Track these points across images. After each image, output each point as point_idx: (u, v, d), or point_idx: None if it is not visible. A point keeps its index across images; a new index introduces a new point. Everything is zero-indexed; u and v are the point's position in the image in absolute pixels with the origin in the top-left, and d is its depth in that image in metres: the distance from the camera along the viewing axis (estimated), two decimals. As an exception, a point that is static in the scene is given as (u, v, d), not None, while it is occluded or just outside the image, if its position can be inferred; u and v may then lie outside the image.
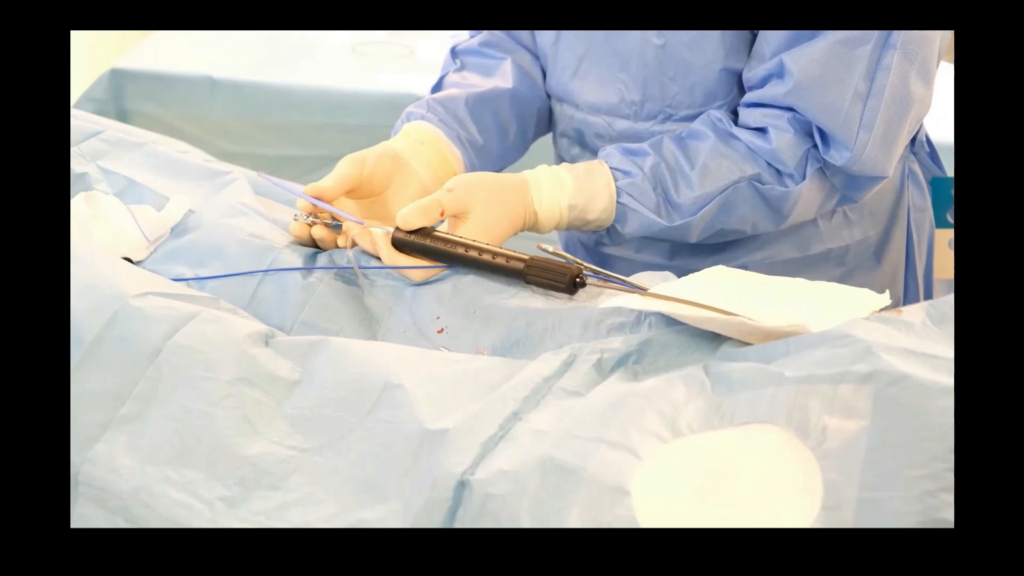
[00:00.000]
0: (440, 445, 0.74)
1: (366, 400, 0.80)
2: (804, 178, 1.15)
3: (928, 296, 1.43)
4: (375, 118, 2.39)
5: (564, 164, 1.17)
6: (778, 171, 1.15)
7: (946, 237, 1.45)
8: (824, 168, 1.16)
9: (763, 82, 1.15)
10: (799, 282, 0.98)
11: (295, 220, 1.09)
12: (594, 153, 1.24)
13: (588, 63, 1.25)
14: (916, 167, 1.38)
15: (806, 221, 1.25)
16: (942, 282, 1.46)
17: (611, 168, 1.15)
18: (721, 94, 1.20)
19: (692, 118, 1.21)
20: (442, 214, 1.06)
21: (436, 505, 0.71)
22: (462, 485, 0.71)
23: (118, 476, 0.77)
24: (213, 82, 2.43)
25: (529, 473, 0.70)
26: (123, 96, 2.44)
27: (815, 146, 1.15)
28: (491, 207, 1.08)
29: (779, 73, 1.13)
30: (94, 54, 2.89)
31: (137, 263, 1.09)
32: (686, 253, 1.28)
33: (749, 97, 1.17)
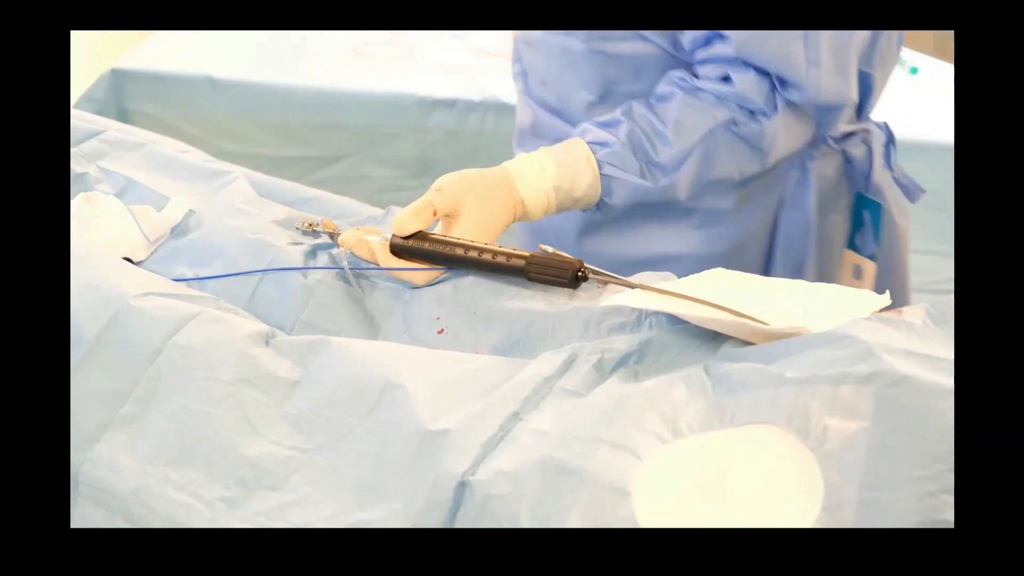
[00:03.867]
0: (440, 445, 0.74)
1: (366, 400, 0.80)
2: (776, 110, 1.19)
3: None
4: (375, 118, 2.39)
5: (542, 148, 1.18)
6: (750, 111, 1.19)
7: (852, 261, 1.38)
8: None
9: (707, 41, 1.18)
10: (799, 283, 0.98)
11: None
12: None
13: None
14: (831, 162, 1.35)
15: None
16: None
17: (589, 143, 1.17)
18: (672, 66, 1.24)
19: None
20: (435, 214, 1.06)
21: (436, 506, 0.71)
22: (462, 486, 0.71)
23: (118, 476, 0.77)
24: (213, 82, 2.44)
25: (529, 473, 0.70)
26: (123, 96, 2.44)
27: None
28: (482, 203, 1.08)
29: (718, 34, 1.17)
30: (94, 54, 2.90)
31: (137, 263, 1.09)
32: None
33: (699, 55, 1.20)
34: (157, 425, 0.80)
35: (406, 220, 1.03)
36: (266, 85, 2.45)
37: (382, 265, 1.04)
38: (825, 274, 1.36)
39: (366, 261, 1.06)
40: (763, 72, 1.17)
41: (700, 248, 1.31)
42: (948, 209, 2.41)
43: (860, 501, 0.64)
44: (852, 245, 1.37)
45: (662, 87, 1.21)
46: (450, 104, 2.41)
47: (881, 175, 1.36)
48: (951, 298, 0.77)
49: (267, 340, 0.88)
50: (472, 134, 2.42)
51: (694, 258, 1.31)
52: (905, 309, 0.80)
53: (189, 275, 1.06)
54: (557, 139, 1.33)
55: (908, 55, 2.92)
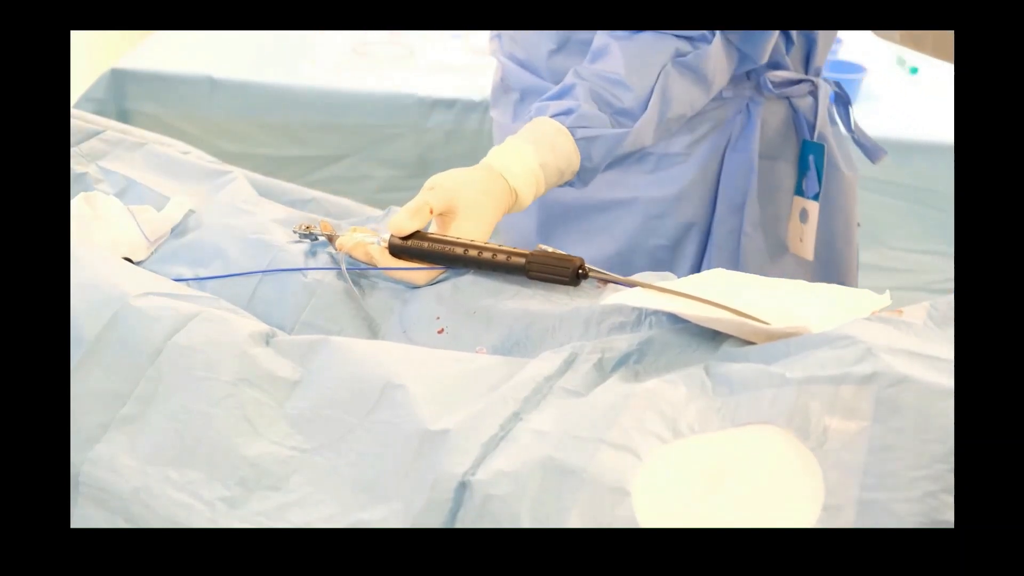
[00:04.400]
0: (441, 446, 0.74)
1: (367, 400, 0.80)
2: (713, 34, 1.22)
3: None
4: (375, 118, 2.39)
5: (509, 137, 1.18)
6: (688, 38, 1.21)
7: (800, 206, 1.45)
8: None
9: None
10: (799, 283, 0.98)
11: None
12: None
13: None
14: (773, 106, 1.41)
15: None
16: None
17: (552, 116, 1.18)
18: None
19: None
20: (431, 212, 1.05)
21: (436, 506, 0.71)
22: (463, 486, 0.71)
23: (118, 476, 0.77)
24: (213, 82, 2.44)
25: (530, 474, 0.70)
26: (123, 96, 2.45)
27: None
28: (477, 198, 1.08)
29: None
30: (94, 54, 2.90)
31: (137, 263, 1.09)
32: None
33: None
34: (157, 425, 0.80)
35: (404, 221, 1.03)
36: (266, 85, 2.45)
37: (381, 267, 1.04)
38: (767, 217, 1.44)
39: (365, 264, 1.06)
40: None
41: (653, 191, 1.40)
42: (948, 209, 2.42)
43: (860, 501, 0.64)
44: (800, 191, 1.46)
45: (597, 42, 1.23)
46: (450, 104, 2.41)
47: (829, 128, 1.43)
48: (951, 298, 0.77)
49: (267, 340, 0.88)
50: (472, 134, 2.42)
51: (647, 200, 1.40)
52: (906, 309, 0.80)
53: (189, 275, 1.06)
54: (524, 89, 1.42)
55: (908, 55, 2.92)
